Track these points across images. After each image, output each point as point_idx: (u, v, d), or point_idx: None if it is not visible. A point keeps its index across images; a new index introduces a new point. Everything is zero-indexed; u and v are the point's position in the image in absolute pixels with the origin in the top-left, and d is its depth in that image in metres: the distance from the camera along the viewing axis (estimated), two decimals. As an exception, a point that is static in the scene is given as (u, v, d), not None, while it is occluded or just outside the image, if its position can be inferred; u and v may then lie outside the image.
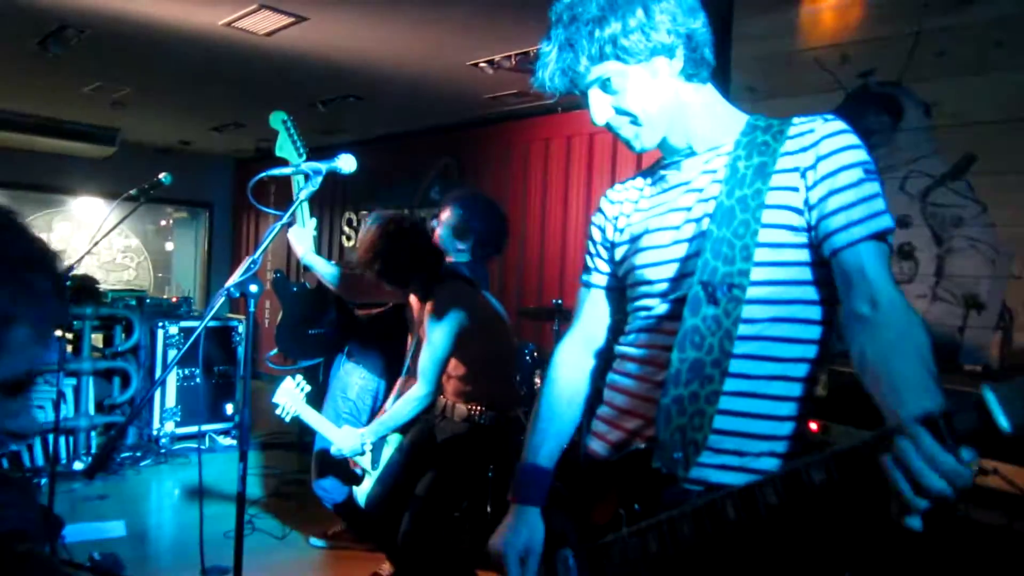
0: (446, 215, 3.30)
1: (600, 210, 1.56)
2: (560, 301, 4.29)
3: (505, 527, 1.44)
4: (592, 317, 1.57)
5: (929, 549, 2.01)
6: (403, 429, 2.98)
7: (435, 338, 2.80)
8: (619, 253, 1.48)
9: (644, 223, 1.43)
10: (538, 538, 1.42)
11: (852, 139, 1.25)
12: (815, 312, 1.28)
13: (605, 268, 1.54)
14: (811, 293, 1.27)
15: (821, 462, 1.04)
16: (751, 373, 1.25)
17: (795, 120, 1.31)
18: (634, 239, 1.44)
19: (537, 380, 4.40)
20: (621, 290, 1.52)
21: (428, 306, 2.86)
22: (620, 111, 1.33)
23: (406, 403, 2.85)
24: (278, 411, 3.07)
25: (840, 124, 1.27)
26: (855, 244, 1.20)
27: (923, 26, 2.98)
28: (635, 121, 1.34)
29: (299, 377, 3.12)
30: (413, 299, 3.07)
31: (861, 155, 1.24)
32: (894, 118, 3.07)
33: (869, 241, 1.20)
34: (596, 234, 1.56)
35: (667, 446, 1.23)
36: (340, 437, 2.97)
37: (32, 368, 0.86)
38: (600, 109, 1.33)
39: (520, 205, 6.41)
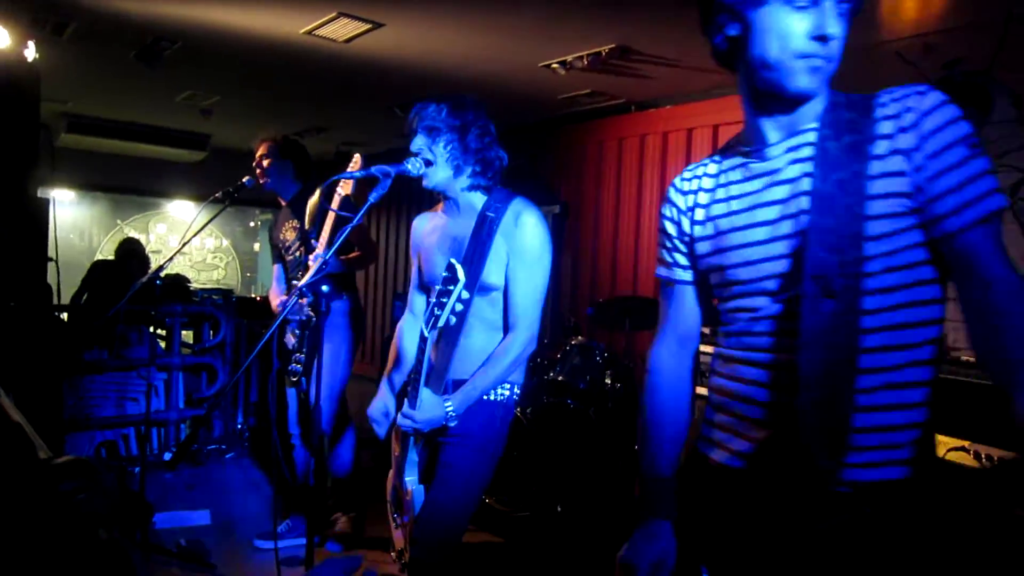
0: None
1: (670, 201, 1.48)
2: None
3: (636, 540, 1.41)
4: (681, 316, 1.51)
5: (991, 551, 1.91)
6: None
7: (539, 268, 2.17)
8: (701, 248, 1.42)
9: (730, 219, 1.36)
10: (671, 552, 1.39)
11: (952, 111, 1.19)
12: (934, 291, 1.23)
13: (685, 262, 1.47)
14: (927, 273, 1.22)
15: None
16: (883, 365, 1.20)
17: (884, 96, 1.24)
18: (719, 234, 1.38)
19: (608, 380, 4.38)
20: (707, 285, 1.46)
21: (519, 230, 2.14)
22: None
23: (508, 354, 2.13)
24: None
25: (937, 96, 1.20)
26: (967, 228, 1.16)
27: (1015, 10, 2.82)
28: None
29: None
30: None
31: (963, 128, 1.18)
32: (982, 110, 2.92)
33: (981, 224, 1.15)
34: (670, 228, 1.49)
35: (810, 452, 1.18)
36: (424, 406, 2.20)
37: None
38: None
39: (593, 204, 6.39)
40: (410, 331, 2.36)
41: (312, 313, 3.32)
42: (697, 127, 5.56)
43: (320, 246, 3.30)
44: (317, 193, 3.32)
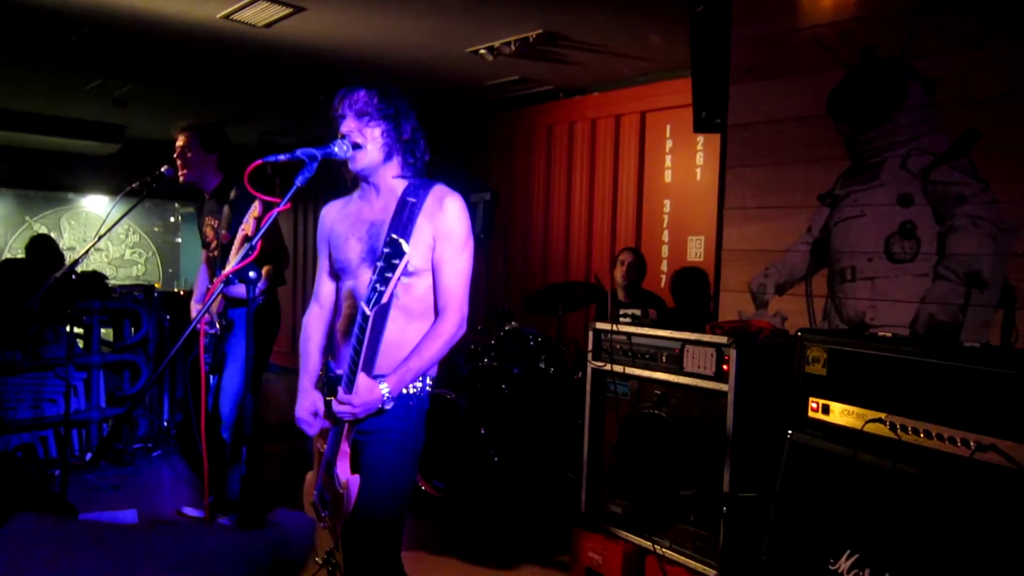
0: None
1: None
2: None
3: None
4: None
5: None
6: None
7: (466, 251, 2.18)
8: None
9: None
10: None
11: None
12: None
13: None
14: None
15: None
16: None
17: None
18: None
19: (542, 365, 4.42)
20: None
21: (437, 215, 2.14)
22: None
23: (441, 336, 2.12)
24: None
25: None
26: None
27: (924, 1, 2.95)
28: None
29: None
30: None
31: None
32: (895, 95, 3.05)
33: None
34: None
35: None
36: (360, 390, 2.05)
37: None
38: None
39: (524, 191, 6.41)
40: (316, 323, 2.36)
41: (220, 329, 3.46)
42: (625, 113, 5.63)
43: (237, 243, 3.22)
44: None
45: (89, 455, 4.91)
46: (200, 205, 3.85)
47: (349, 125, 2.09)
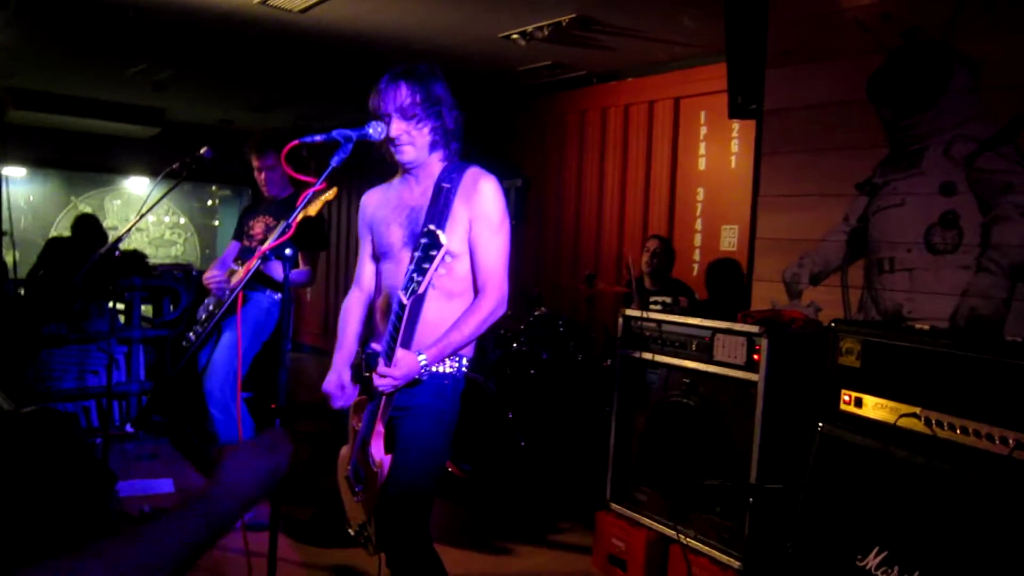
0: None
1: None
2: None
3: None
4: None
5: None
6: None
7: (503, 232, 2.19)
8: None
9: None
10: None
11: None
12: None
13: None
14: None
15: None
16: None
17: None
18: None
19: (571, 350, 4.40)
20: None
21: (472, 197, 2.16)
22: None
23: (479, 313, 2.13)
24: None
25: None
26: None
27: (971, -19, 2.85)
28: None
29: None
30: None
31: None
32: (939, 79, 2.95)
33: None
34: None
35: None
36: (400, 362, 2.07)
37: None
38: None
39: (556, 177, 6.37)
40: (356, 305, 2.39)
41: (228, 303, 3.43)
42: (659, 99, 5.56)
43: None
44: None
45: (129, 426, 5.05)
46: (254, 200, 3.91)
47: (399, 127, 2.13)
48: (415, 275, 1.90)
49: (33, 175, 9.22)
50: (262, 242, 3.64)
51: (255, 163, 3.72)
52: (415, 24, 4.86)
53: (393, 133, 2.12)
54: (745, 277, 3.66)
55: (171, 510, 0.92)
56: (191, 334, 3.60)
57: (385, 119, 2.13)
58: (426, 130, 2.14)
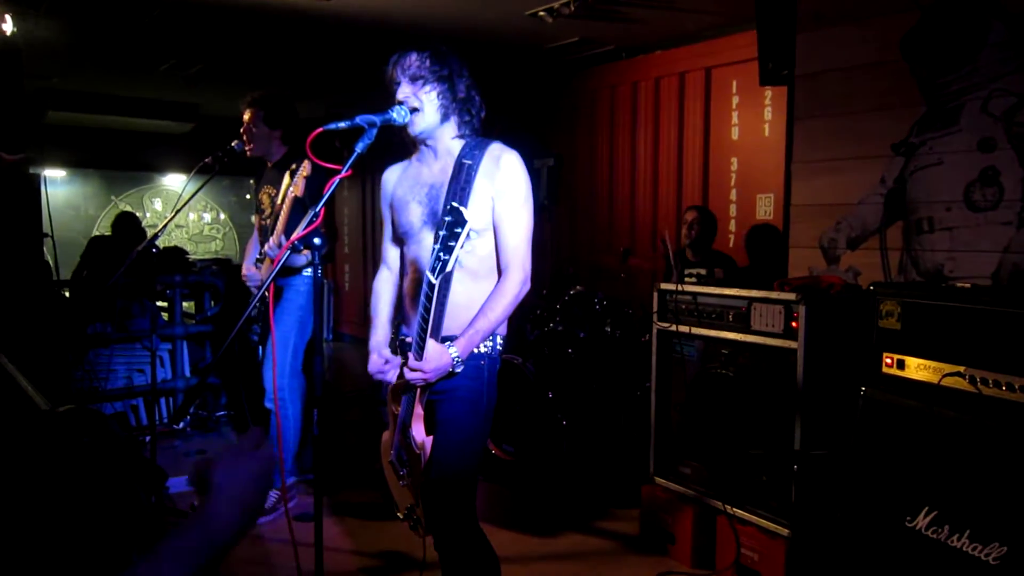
0: None
1: None
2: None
3: None
4: None
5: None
6: None
7: (527, 208, 2.16)
8: None
9: None
10: None
11: None
12: None
13: None
14: None
15: None
16: None
17: None
18: None
19: (608, 328, 4.40)
20: None
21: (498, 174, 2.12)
22: None
23: (505, 295, 2.11)
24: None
25: None
26: None
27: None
28: None
29: None
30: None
31: None
32: (976, 34, 2.87)
33: None
34: None
35: None
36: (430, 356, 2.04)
37: None
38: None
39: (588, 154, 6.35)
40: (386, 284, 2.40)
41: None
42: (690, 71, 5.49)
43: (287, 205, 3.28)
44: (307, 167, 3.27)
45: (178, 423, 5.16)
46: (260, 173, 3.93)
47: (405, 91, 2.11)
48: (441, 254, 1.88)
49: (73, 176, 9.44)
50: (271, 216, 3.67)
51: (244, 118, 3.72)
52: (440, 5, 4.86)
53: (399, 96, 2.10)
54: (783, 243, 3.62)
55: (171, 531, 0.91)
56: (252, 335, 3.59)
57: (394, 86, 2.13)
58: (433, 94, 2.10)
